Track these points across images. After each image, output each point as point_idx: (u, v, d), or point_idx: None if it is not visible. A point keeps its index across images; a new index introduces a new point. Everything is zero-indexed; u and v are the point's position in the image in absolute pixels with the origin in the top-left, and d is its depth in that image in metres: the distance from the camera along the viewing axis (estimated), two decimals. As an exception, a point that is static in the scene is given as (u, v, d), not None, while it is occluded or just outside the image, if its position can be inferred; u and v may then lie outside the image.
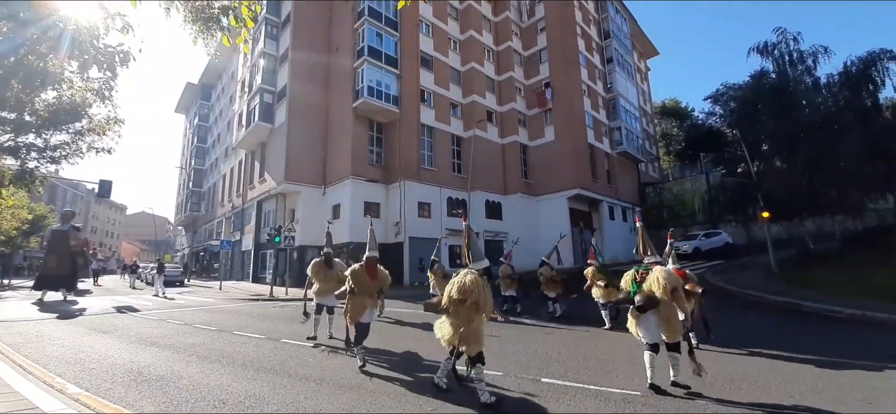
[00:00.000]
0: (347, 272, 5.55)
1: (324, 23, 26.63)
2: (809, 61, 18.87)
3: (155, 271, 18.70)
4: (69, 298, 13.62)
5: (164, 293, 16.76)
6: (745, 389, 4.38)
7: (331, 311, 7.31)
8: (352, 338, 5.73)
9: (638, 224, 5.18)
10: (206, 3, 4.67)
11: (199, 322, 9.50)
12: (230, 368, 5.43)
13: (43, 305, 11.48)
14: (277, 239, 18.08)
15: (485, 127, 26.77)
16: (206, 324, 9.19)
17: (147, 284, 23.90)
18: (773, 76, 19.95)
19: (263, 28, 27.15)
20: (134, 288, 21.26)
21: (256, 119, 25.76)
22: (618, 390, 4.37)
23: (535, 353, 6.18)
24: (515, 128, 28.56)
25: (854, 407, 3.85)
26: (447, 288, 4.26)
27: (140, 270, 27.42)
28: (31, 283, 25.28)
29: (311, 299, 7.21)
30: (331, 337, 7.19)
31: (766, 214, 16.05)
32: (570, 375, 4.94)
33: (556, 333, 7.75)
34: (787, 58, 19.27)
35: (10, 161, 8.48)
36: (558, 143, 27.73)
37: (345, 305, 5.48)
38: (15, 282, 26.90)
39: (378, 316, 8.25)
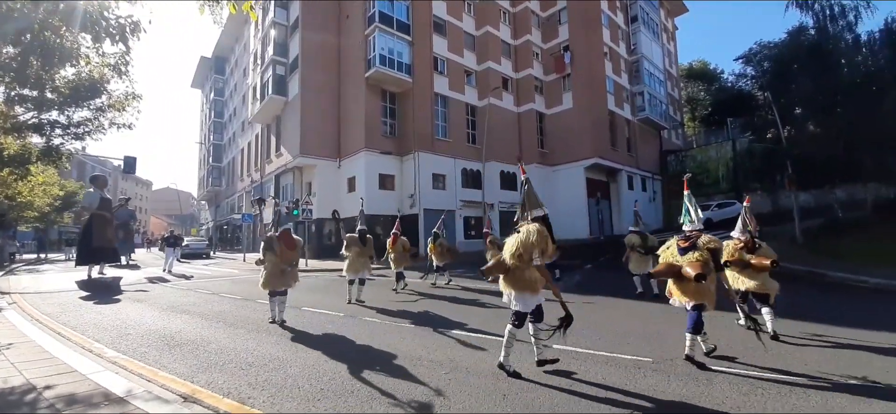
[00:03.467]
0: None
1: (334, -11, 26.00)
2: (851, 16, 17.43)
3: (164, 244, 16.53)
4: (109, 271, 12.74)
5: (170, 269, 15.17)
6: (760, 356, 4.33)
7: (362, 282, 8.10)
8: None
9: (686, 191, 4.59)
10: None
11: (225, 292, 9.94)
12: (255, 333, 5.70)
13: (88, 281, 11.42)
14: (296, 212, 18.49)
15: (500, 95, 26.11)
16: (232, 293, 9.61)
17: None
18: (812, 33, 18.60)
19: (273, -4, 26.72)
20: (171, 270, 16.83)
21: (270, 92, 25.80)
22: (629, 357, 4.39)
23: (547, 322, 6.23)
24: (532, 95, 27.78)
25: (877, 376, 3.77)
26: (513, 245, 3.81)
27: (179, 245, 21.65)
28: (64, 256, 26.76)
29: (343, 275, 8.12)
30: (359, 303, 7.75)
31: (793, 181, 15.38)
32: (583, 343, 4.98)
33: (570, 304, 7.77)
34: (827, 12, 17.85)
35: (35, 139, 8.84)
36: (576, 111, 26.91)
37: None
38: (51, 255, 28.59)
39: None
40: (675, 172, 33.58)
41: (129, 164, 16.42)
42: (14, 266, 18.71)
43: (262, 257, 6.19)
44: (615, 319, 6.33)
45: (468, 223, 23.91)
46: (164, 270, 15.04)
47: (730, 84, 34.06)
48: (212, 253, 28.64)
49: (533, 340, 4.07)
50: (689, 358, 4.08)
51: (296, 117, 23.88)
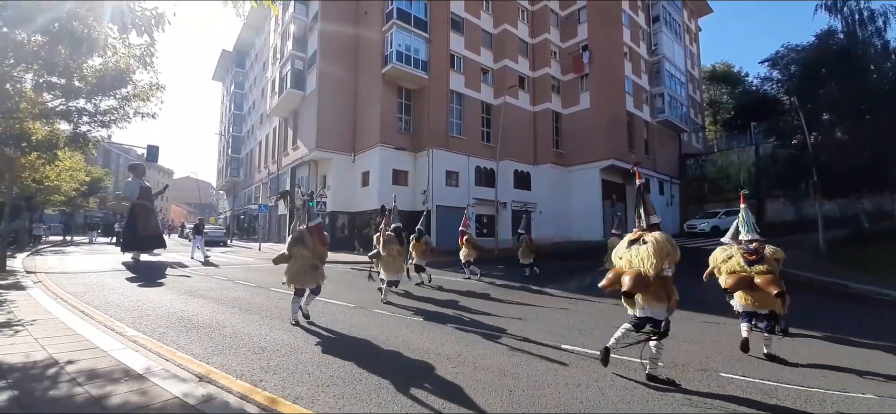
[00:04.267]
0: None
1: (353, -15, 26.21)
2: (880, 22, 16.71)
3: (193, 232, 16.70)
4: (143, 258, 12.87)
5: (205, 256, 15.25)
6: (775, 368, 4.23)
7: (396, 283, 7.87)
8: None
9: (743, 205, 4.90)
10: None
11: (241, 279, 10.18)
12: (268, 320, 5.83)
13: (134, 264, 11.50)
14: (310, 204, 18.72)
15: (516, 94, 25.93)
16: (247, 281, 9.83)
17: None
18: (841, 37, 17.89)
19: (294, -8, 27.09)
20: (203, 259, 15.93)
21: (288, 86, 26.21)
22: (638, 360, 4.33)
23: (557, 321, 6.20)
24: (548, 94, 27.49)
25: (887, 391, 3.64)
26: (650, 255, 3.60)
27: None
28: (87, 239, 27.64)
29: (379, 272, 7.97)
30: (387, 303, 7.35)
31: (819, 190, 14.86)
32: (592, 345, 4.93)
33: (580, 304, 7.71)
34: (856, 16, 17.14)
35: (63, 125, 9.19)
36: (594, 111, 26.51)
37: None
38: (77, 238, 29.70)
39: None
40: (695, 177, 32.81)
41: (152, 152, 16.95)
42: (39, 247, 19.51)
43: (287, 252, 5.66)
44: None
45: (480, 221, 23.86)
46: (192, 258, 15.17)
47: (754, 87, 33.00)
48: (229, 241, 29.31)
49: (647, 353, 3.78)
50: (770, 357, 4.38)
51: (313, 111, 24.20)
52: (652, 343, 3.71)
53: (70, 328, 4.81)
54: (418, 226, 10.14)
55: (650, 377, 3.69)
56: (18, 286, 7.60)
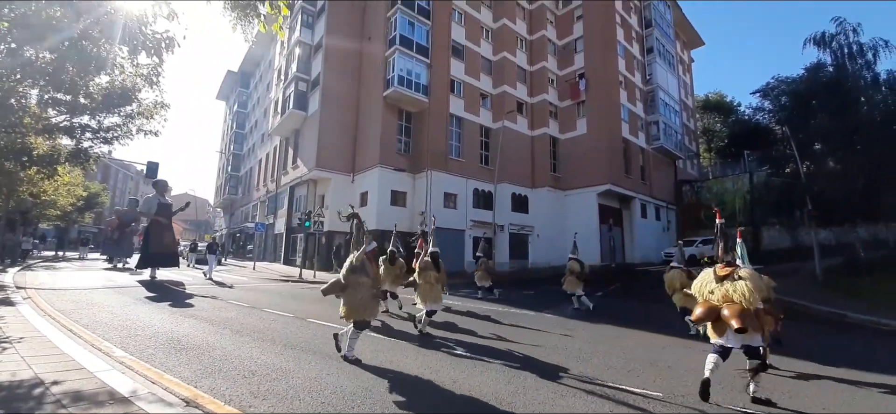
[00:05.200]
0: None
1: (358, 11, 26.92)
2: (869, 55, 17.29)
3: (206, 252, 16.77)
4: (156, 276, 12.69)
5: (211, 275, 15.24)
6: (777, 396, 4.16)
7: (393, 296, 8.40)
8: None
9: (739, 240, 4.91)
10: (243, -10, 4.84)
11: (234, 299, 10.03)
12: (260, 342, 5.72)
13: (150, 282, 11.38)
14: (307, 223, 18.72)
15: (514, 118, 26.34)
16: (240, 301, 9.70)
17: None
18: (831, 70, 18.43)
19: (300, 17, 27.81)
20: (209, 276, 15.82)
21: (291, 106, 26.56)
22: (639, 390, 4.26)
23: (554, 347, 6.11)
24: (546, 120, 27.94)
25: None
26: (751, 291, 3.96)
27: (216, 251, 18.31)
28: (77, 255, 27.26)
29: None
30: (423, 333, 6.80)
31: (815, 217, 14.98)
32: (590, 373, 4.85)
33: (579, 328, 7.62)
34: (845, 51, 17.71)
35: (65, 140, 9.23)
36: (590, 137, 26.90)
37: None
38: (69, 254, 29.35)
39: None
40: (690, 203, 33.03)
41: (152, 169, 16.98)
42: (30, 263, 19.26)
43: (343, 281, 5.08)
44: (627, 349, 6.16)
45: (477, 244, 23.77)
46: (207, 277, 15.01)
47: (747, 117, 33.74)
48: (223, 259, 29.03)
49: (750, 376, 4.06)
50: (756, 400, 4.12)
51: (314, 131, 24.45)
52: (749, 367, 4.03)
53: (57, 347, 4.71)
54: (390, 247, 9.02)
55: (755, 400, 3.99)
56: (8, 302, 7.47)
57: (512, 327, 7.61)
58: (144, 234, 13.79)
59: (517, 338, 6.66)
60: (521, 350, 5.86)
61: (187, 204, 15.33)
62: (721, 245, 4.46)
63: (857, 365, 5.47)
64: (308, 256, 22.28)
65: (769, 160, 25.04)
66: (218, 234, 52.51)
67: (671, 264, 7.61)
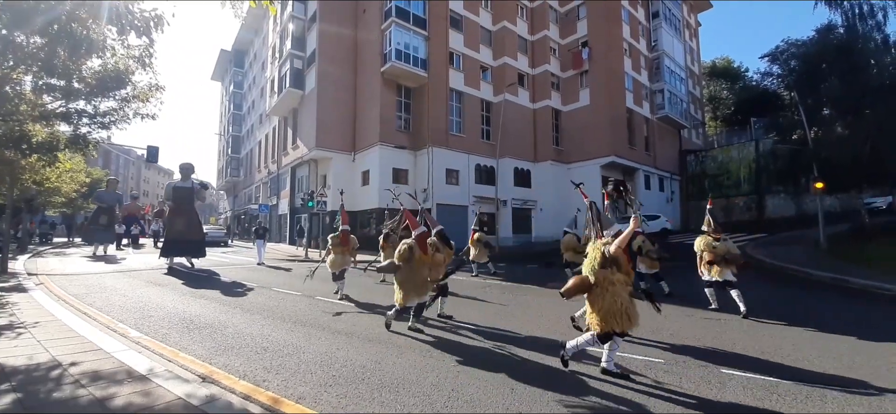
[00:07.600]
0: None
1: (352, -18, 26.15)
2: (880, 16, 16.63)
3: (254, 236, 16.16)
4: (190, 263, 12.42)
5: (263, 260, 14.61)
6: (778, 359, 4.23)
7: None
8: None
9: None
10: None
11: (242, 279, 10.20)
12: (270, 320, 5.84)
13: (172, 269, 11.34)
14: (310, 204, 18.79)
15: (516, 91, 25.88)
16: (248, 281, 9.85)
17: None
18: (841, 31, 17.83)
19: (292, -9, 27.03)
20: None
21: (287, 85, 26.17)
22: (640, 357, 4.34)
23: (559, 317, 6.20)
24: (548, 91, 27.44)
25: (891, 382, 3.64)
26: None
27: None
28: (80, 240, 27.30)
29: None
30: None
31: (819, 185, 14.84)
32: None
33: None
34: (856, 10, 17.06)
35: (63, 127, 9.18)
36: (593, 108, 26.48)
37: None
38: (78, 239, 29.67)
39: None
40: (695, 173, 32.80)
41: (152, 153, 16.94)
42: (41, 249, 19.53)
43: (397, 263, 5.14)
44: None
45: (480, 219, 23.86)
46: (258, 263, 14.35)
47: (754, 83, 32.95)
48: (229, 241, 29.35)
49: None
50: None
51: (312, 110, 24.18)
52: None
53: (73, 330, 4.83)
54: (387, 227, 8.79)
55: None
56: (20, 288, 7.62)
57: (514, 298, 7.72)
58: (166, 221, 13.80)
59: (519, 314, 6.76)
60: (516, 324, 5.95)
61: (207, 186, 15.07)
62: (597, 227, 4.30)
63: (832, 328, 5.53)
64: (313, 236, 22.44)
65: (776, 127, 24.60)
66: (223, 216, 52.85)
67: (564, 229, 9.96)
